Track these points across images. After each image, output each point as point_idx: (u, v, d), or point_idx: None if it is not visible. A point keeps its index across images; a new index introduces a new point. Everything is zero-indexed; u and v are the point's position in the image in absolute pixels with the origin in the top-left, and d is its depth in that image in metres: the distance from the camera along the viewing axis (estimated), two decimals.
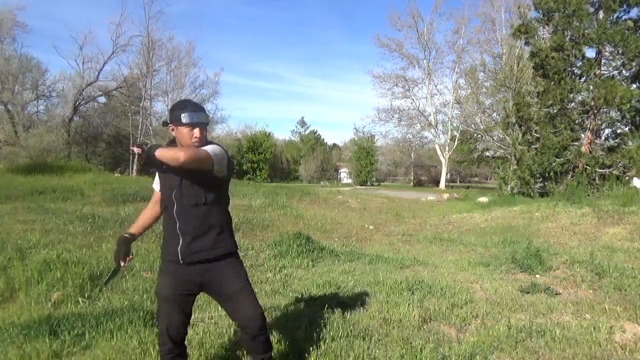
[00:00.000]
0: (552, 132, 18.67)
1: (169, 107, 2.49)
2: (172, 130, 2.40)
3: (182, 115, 2.33)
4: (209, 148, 2.35)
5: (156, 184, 2.56)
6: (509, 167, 22.54)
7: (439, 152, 42.56)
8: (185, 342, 2.67)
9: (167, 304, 2.47)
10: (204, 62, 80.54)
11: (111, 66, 49.94)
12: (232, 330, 3.54)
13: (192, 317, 4.05)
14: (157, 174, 2.51)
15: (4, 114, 32.64)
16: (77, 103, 34.68)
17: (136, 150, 2.14)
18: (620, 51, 17.77)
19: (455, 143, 41.31)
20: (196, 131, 2.37)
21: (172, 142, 2.47)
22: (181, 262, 2.39)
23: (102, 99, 39.12)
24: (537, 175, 19.23)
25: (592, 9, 18.48)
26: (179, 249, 2.38)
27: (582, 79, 19.20)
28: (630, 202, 11.19)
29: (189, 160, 2.16)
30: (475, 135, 40.28)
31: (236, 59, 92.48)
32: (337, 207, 15.10)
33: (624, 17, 18.29)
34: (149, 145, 2.18)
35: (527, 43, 20.91)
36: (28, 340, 3.34)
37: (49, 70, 37.56)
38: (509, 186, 20.38)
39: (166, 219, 2.47)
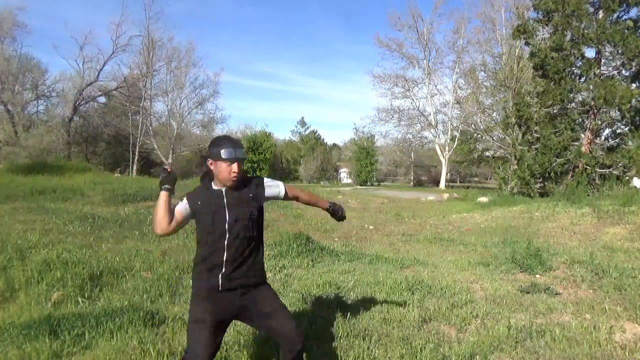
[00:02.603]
0: (552, 132, 18.68)
1: (210, 141, 2.63)
2: (211, 164, 2.51)
3: (222, 151, 2.45)
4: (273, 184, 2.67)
5: (182, 207, 2.56)
6: (509, 167, 22.54)
7: (439, 152, 42.56)
8: None
9: (203, 329, 2.46)
10: (204, 62, 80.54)
11: (111, 66, 50.28)
12: (231, 330, 3.54)
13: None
14: (185, 201, 2.57)
15: (4, 114, 32.67)
16: (77, 103, 34.71)
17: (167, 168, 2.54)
18: (619, 51, 17.78)
19: (455, 143, 41.30)
20: (234, 166, 2.47)
21: (207, 174, 2.60)
22: (220, 289, 2.48)
23: (102, 99, 39.22)
24: (537, 175, 19.22)
25: (591, 9, 18.48)
26: (220, 276, 2.48)
27: (582, 79, 19.21)
28: (630, 202, 11.18)
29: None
30: (475, 135, 40.26)
31: (236, 59, 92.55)
32: None
33: (623, 17, 18.30)
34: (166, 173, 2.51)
35: (526, 43, 20.92)
36: (28, 340, 3.34)
37: (49, 70, 37.57)
38: (509, 186, 20.39)
39: (207, 250, 2.51)
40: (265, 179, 2.67)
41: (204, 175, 2.62)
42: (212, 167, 2.51)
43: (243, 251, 2.50)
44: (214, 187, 2.54)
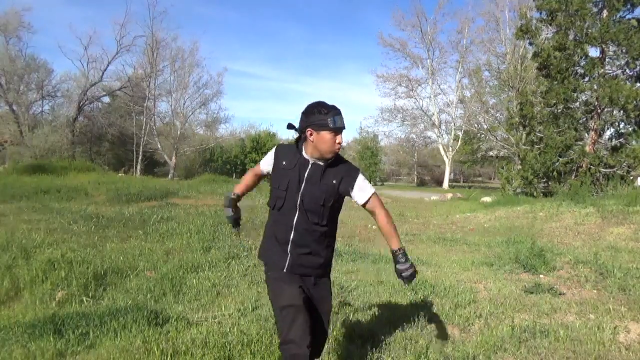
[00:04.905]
0: (556, 131, 18.62)
1: (304, 110, 2.33)
2: (311, 134, 2.29)
3: (329, 120, 2.25)
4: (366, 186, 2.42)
5: (266, 165, 2.51)
6: (513, 167, 22.48)
7: (442, 152, 42.43)
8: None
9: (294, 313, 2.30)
10: (207, 62, 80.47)
11: (115, 66, 50.14)
12: (235, 329, 3.55)
13: (196, 316, 4.09)
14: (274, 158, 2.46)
15: (9, 114, 32.80)
16: (82, 103, 34.78)
17: None
18: (624, 50, 17.71)
19: (459, 143, 41.12)
20: (339, 137, 2.31)
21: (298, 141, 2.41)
22: (285, 270, 2.37)
23: (106, 99, 39.25)
24: (541, 175, 19.16)
25: (595, 9, 18.42)
26: (287, 260, 2.36)
27: (586, 79, 19.14)
28: (635, 201, 11.13)
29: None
30: (478, 135, 40.14)
31: (239, 59, 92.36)
32: None
33: (627, 16, 18.23)
34: None
35: (530, 43, 20.86)
36: (33, 339, 3.36)
37: (53, 70, 37.48)
38: (513, 186, 20.32)
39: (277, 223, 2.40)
40: (360, 178, 2.39)
41: (298, 139, 2.41)
42: (310, 137, 2.28)
43: (310, 236, 2.36)
44: (304, 154, 2.36)
